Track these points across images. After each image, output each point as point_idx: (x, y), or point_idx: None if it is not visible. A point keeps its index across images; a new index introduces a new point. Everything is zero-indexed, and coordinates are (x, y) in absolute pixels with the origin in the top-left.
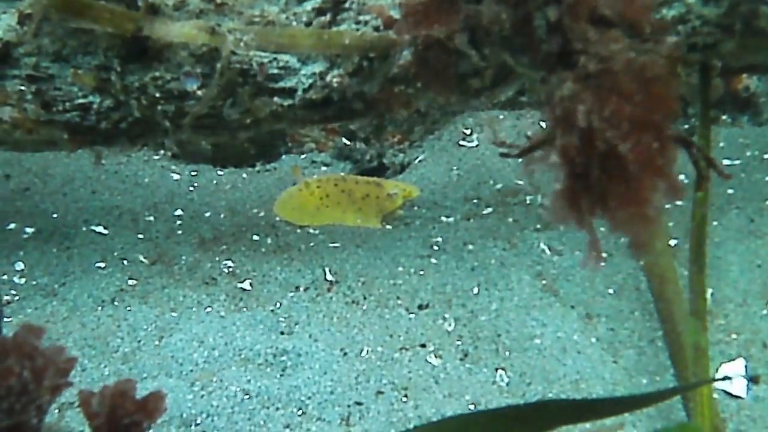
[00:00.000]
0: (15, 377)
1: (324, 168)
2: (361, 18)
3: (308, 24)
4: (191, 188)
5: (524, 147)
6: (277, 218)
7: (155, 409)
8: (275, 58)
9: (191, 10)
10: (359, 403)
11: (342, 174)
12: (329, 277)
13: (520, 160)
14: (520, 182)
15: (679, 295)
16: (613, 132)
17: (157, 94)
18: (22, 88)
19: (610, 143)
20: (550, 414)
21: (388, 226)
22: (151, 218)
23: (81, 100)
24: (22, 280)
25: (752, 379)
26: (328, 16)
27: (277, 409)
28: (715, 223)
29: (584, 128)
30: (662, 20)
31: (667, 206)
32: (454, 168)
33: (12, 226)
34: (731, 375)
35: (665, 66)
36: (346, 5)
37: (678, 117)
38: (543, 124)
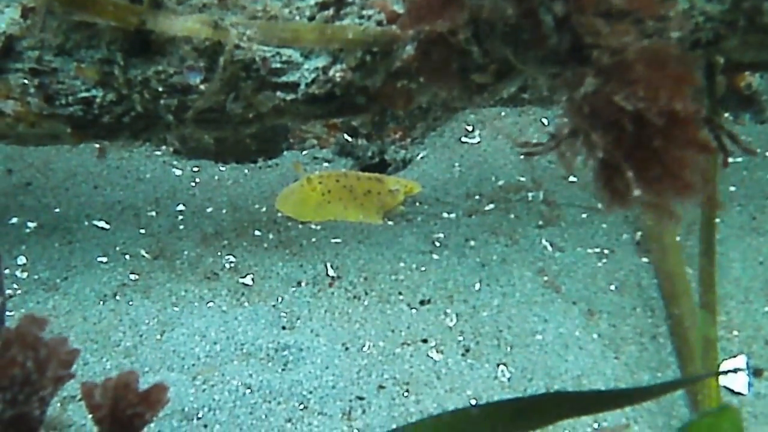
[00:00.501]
0: (18, 368)
1: (326, 164)
2: (364, 12)
3: (311, 18)
4: (193, 184)
5: (549, 143)
6: (279, 214)
7: (157, 401)
8: (278, 53)
9: (194, 4)
10: (361, 398)
11: (344, 170)
12: (331, 272)
13: (534, 156)
14: (522, 179)
15: (686, 290)
16: (652, 113)
17: (160, 88)
18: (25, 81)
19: (647, 126)
20: (553, 406)
21: (390, 222)
22: (153, 213)
23: (84, 94)
24: (24, 275)
25: (755, 372)
26: (332, 11)
27: (279, 403)
28: (717, 220)
29: (617, 117)
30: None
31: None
32: (456, 164)
33: (14, 220)
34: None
35: (677, 47)
36: (350, 0)
37: (698, 88)
38: (545, 122)
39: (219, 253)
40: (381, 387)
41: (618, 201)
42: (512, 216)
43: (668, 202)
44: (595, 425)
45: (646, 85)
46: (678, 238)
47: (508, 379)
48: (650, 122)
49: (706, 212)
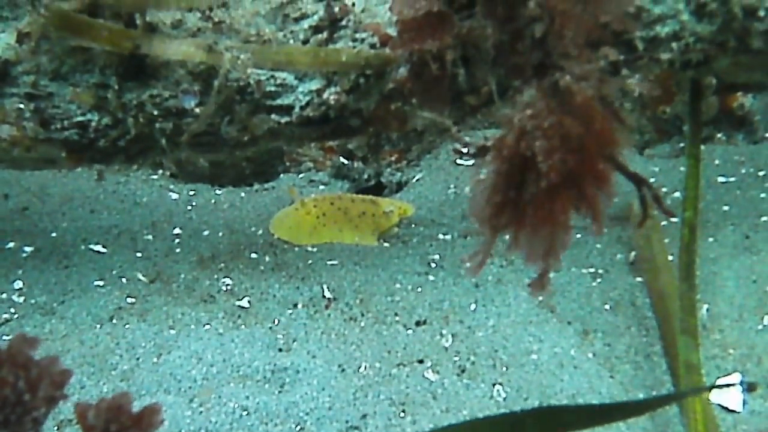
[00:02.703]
0: (10, 388)
1: (322, 187)
2: (357, 36)
3: (305, 42)
4: (189, 207)
5: (478, 147)
6: (275, 236)
7: (151, 423)
8: (272, 76)
9: (189, 28)
10: (357, 419)
11: (339, 193)
12: (327, 294)
13: (463, 156)
14: None
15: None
16: (542, 143)
17: (155, 112)
18: (21, 106)
19: (532, 152)
20: (547, 421)
21: (386, 244)
22: (150, 237)
23: (79, 118)
24: (21, 299)
25: (749, 387)
26: (325, 34)
27: (276, 425)
28: (710, 239)
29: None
30: None
31: (663, 223)
32: (452, 186)
33: (11, 245)
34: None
35: (614, 106)
36: (343, 23)
37: (616, 151)
38: None
39: (215, 276)
40: (377, 408)
41: (490, 223)
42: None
43: (537, 243)
44: None
45: (575, 120)
46: (670, 258)
47: (504, 398)
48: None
49: (685, 237)
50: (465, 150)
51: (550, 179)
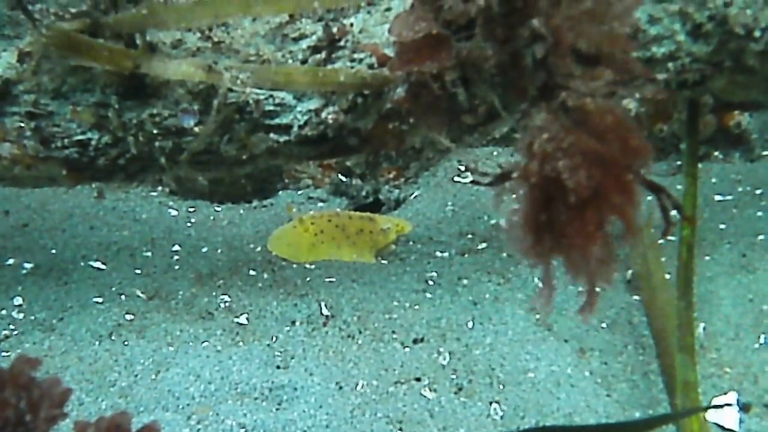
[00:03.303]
0: (11, 408)
1: (320, 204)
2: (355, 56)
3: (304, 62)
4: (189, 224)
5: (495, 176)
6: (273, 253)
7: None
8: (271, 95)
9: (188, 48)
10: None
11: (337, 210)
12: (325, 311)
13: (479, 186)
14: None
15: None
16: (566, 162)
17: (155, 131)
18: (22, 124)
19: (560, 172)
20: None
21: (384, 261)
22: (149, 254)
23: (79, 137)
24: (21, 315)
25: (743, 408)
26: (324, 54)
27: None
28: (707, 257)
29: (542, 156)
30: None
31: (660, 241)
32: (449, 204)
33: (11, 261)
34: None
35: (631, 116)
36: (341, 43)
37: (647, 164)
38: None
39: (214, 293)
40: (375, 426)
41: (534, 251)
42: (504, 255)
43: (579, 262)
44: None
45: (591, 136)
46: (668, 277)
47: (501, 417)
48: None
49: (683, 256)
50: (484, 180)
51: (579, 196)
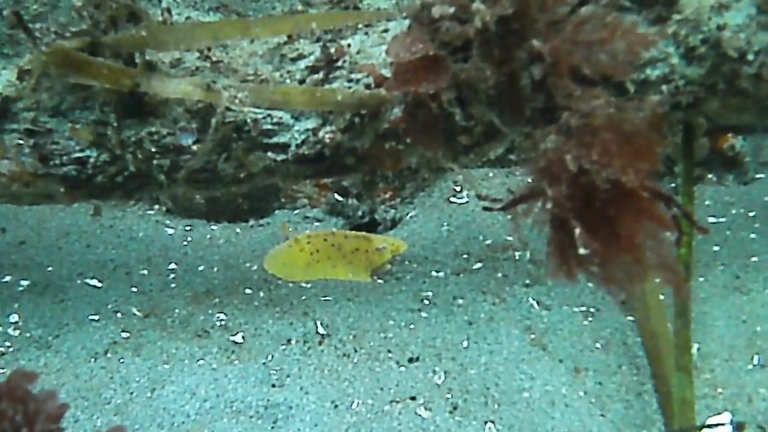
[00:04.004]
0: (7, 421)
1: (316, 223)
2: (353, 76)
3: (302, 82)
4: (185, 243)
5: (508, 201)
6: (270, 272)
7: None
8: (269, 115)
9: (187, 67)
10: None
11: (332, 229)
12: (321, 330)
13: (508, 216)
14: (510, 238)
15: (670, 349)
16: (605, 171)
17: (153, 149)
18: (21, 142)
19: (604, 183)
20: None
21: (380, 281)
22: (145, 272)
23: (78, 154)
24: (17, 332)
25: (738, 428)
26: (321, 74)
27: None
28: (701, 279)
29: (571, 176)
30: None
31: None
32: (445, 224)
33: (7, 278)
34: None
35: (644, 122)
36: (339, 64)
37: (657, 169)
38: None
39: (210, 311)
40: None
41: (563, 269)
42: (500, 275)
43: (613, 273)
44: None
45: (603, 151)
46: (662, 297)
47: None
48: (602, 189)
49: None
50: (496, 206)
51: (609, 192)
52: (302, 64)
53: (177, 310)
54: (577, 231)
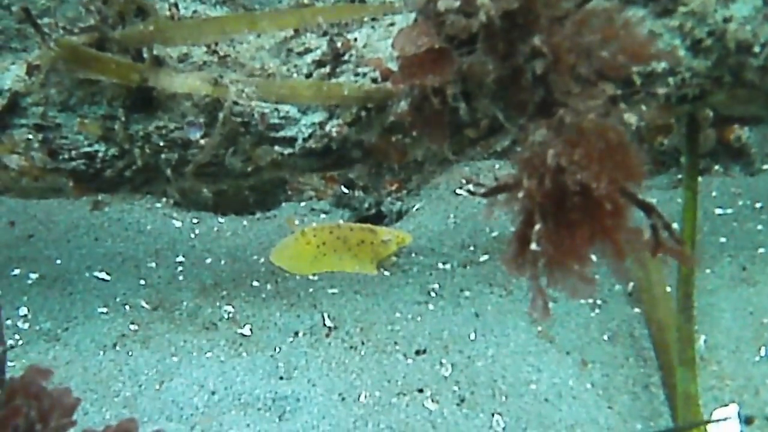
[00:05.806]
0: (22, 417)
1: (323, 215)
2: (359, 70)
3: (308, 76)
4: (192, 235)
5: (490, 188)
6: (276, 265)
7: None
8: (276, 109)
9: (195, 62)
10: None
11: (338, 222)
12: (328, 322)
13: (485, 201)
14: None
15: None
16: (583, 174)
17: (161, 143)
18: (30, 136)
19: (575, 184)
20: None
21: (386, 273)
22: (153, 264)
23: (86, 149)
24: (26, 325)
25: (746, 420)
26: (328, 68)
27: None
28: (708, 270)
29: (549, 171)
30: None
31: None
32: (451, 216)
33: (16, 271)
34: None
35: (626, 137)
36: (346, 58)
37: (640, 184)
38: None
39: (217, 304)
40: None
41: (516, 261)
42: (503, 268)
43: (557, 278)
44: None
45: (585, 153)
46: (668, 289)
47: (503, 428)
48: (572, 191)
49: (683, 269)
50: (479, 191)
51: (575, 211)
52: (309, 58)
53: (185, 303)
54: (537, 227)
